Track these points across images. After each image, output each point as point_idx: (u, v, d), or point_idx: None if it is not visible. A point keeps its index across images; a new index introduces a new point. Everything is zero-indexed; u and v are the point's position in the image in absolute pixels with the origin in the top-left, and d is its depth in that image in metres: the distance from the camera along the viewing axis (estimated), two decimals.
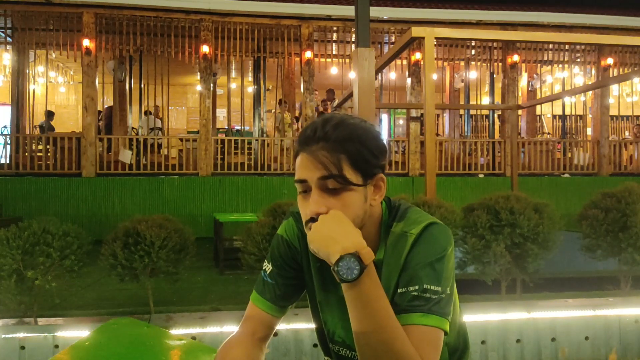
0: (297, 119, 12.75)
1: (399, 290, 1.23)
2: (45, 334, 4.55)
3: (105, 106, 13.07)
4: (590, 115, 13.39)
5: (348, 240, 1.14)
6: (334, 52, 12.30)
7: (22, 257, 4.50)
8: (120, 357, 1.75)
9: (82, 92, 10.71)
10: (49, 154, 10.67)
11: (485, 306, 5.04)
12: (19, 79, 11.46)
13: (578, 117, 14.96)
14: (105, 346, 1.89)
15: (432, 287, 1.20)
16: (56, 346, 4.51)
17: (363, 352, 1.16)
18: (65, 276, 4.69)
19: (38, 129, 12.35)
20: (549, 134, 16.63)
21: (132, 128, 12.10)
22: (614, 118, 16.48)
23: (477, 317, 4.87)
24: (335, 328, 1.39)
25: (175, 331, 4.44)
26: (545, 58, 12.89)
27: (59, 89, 16.51)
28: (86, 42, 10.35)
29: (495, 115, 13.38)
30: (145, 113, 12.29)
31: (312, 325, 1.50)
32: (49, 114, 11.91)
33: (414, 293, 1.20)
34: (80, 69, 10.88)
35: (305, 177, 1.22)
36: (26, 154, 10.63)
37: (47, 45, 10.94)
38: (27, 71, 11.85)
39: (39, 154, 10.83)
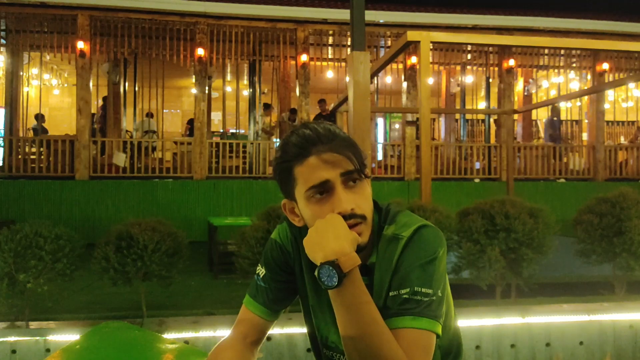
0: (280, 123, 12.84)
1: (390, 294, 1.22)
2: (37, 338, 4.52)
3: (100, 106, 12.99)
4: (586, 121, 13.43)
5: (330, 247, 1.13)
6: (330, 56, 12.31)
7: (14, 260, 4.47)
8: None
9: (76, 94, 10.67)
10: (42, 157, 10.62)
11: (480, 311, 5.02)
12: (13, 81, 11.42)
13: (574, 122, 15.00)
14: (96, 349, 1.87)
15: (423, 290, 1.19)
16: (48, 350, 4.47)
17: (351, 357, 1.16)
18: (57, 279, 4.65)
19: (32, 131, 12.29)
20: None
21: (127, 131, 12.06)
22: (610, 123, 16.55)
23: (471, 322, 4.86)
24: (328, 333, 1.38)
25: (168, 335, 4.41)
26: (541, 63, 12.92)
27: (53, 92, 16.45)
28: (80, 45, 10.32)
29: (491, 120, 13.40)
30: (148, 115, 12.24)
31: (306, 330, 1.48)
32: (40, 117, 11.83)
33: (404, 296, 1.19)
34: (75, 71, 10.86)
35: (327, 177, 1.21)
36: (19, 156, 10.58)
37: (42, 47, 10.90)
38: (21, 73, 11.83)
39: (32, 157, 10.78)
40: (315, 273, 1.13)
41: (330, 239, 1.14)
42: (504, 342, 4.89)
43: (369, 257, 1.29)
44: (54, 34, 10.74)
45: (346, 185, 1.22)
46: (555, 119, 13.19)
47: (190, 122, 12.59)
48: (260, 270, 1.44)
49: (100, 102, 12.87)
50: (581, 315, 5.08)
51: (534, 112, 14.91)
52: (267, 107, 12.38)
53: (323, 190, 1.22)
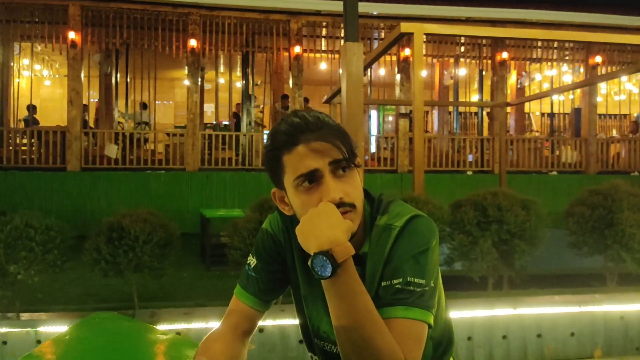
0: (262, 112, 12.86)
1: (382, 284, 1.21)
2: (28, 329, 4.51)
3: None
4: None
5: (324, 236, 1.11)
6: (323, 48, 12.26)
7: (4, 251, 4.44)
8: (101, 351, 1.72)
9: (67, 85, 10.59)
10: (33, 148, 10.55)
11: (472, 302, 5.04)
12: (3, 71, 11.30)
13: (566, 115, 15.05)
14: (87, 340, 1.85)
15: (416, 280, 1.18)
16: (39, 341, 4.46)
17: (344, 347, 1.14)
18: (48, 271, 4.63)
19: (22, 122, 12.20)
20: (537, 131, 16.72)
21: (118, 123, 12.00)
22: (602, 116, 16.60)
23: (463, 314, 4.88)
24: (320, 323, 1.37)
25: (159, 327, 4.40)
26: (534, 56, 12.93)
27: (44, 83, 16.34)
28: (72, 35, 10.23)
29: (484, 113, 13.41)
30: (144, 106, 12.17)
31: (298, 321, 1.47)
32: (32, 108, 11.75)
33: (397, 286, 1.18)
34: (66, 62, 10.77)
35: (316, 166, 1.19)
36: (10, 147, 10.49)
37: (32, 37, 10.80)
38: (12, 64, 11.71)
39: (23, 148, 10.70)
40: (309, 263, 1.12)
41: (324, 228, 1.12)
42: (496, 333, 4.92)
43: (361, 246, 1.28)
44: (45, 24, 10.64)
45: (335, 174, 1.21)
46: None
47: (236, 115, 12.56)
48: (252, 260, 1.42)
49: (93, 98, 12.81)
50: (572, 307, 5.12)
51: (526, 104, 14.94)
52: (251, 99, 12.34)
53: (312, 178, 1.20)
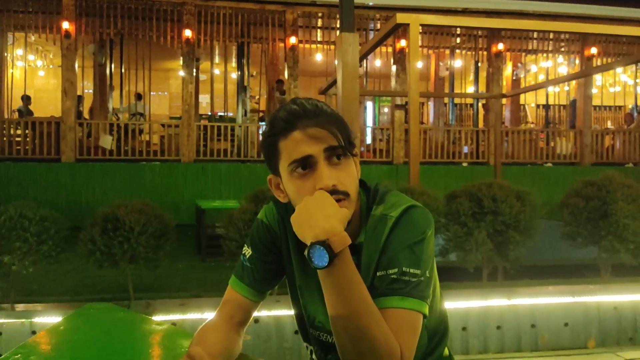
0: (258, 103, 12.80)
1: (378, 274, 1.21)
2: (23, 320, 4.50)
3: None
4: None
5: (321, 226, 1.11)
6: (319, 39, 12.22)
7: None
8: (96, 341, 1.71)
9: (61, 76, 10.51)
10: (27, 139, 10.49)
11: (467, 293, 5.06)
12: None
13: (561, 107, 15.07)
14: (81, 330, 1.84)
15: (411, 270, 1.18)
16: (33, 332, 4.46)
17: (339, 337, 1.14)
18: (42, 262, 4.63)
19: (16, 113, 12.13)
20: (532, 123, 16.73)
21: (114, 114, 11.93)
22: (597, 108, 16.65)
23: (458, 304, 4.90)
24: (316, 313, 1.37)
25: (155, 317, 4.40)
26: (530, 47, 12.93)
27: (38, 73, 16.24)
28: (66, 25, 10.14)
29: (480, 104, 13.41)
30: (139, 97, 12.12)
31: (293, 312, 1.47)
32: (26, 99, 11.69)
33: (392, 276, 1.18)
34: (60, 52, 10.69)
35: (311, 152, 1.19)
36: (4, 138, 10.44)
37: (26, 27, 10.71)
38: (6, 54, 11.63)
39: (17, 139, 10.64)
40: (305, 253, 1.12)
41: (320, 218, 1.12)
42: (490, 323, 4.94)
43: (357, 236, 1.28)
44: (39, 14, 10.55)
45: (330, 161, 1.21)
46: None
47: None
48: (247, 251, 1.42)
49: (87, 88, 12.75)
50: (566, 297, 5.14)
51: (522, 96, 14.95)
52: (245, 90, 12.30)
53: (306, 164, 1.20)
